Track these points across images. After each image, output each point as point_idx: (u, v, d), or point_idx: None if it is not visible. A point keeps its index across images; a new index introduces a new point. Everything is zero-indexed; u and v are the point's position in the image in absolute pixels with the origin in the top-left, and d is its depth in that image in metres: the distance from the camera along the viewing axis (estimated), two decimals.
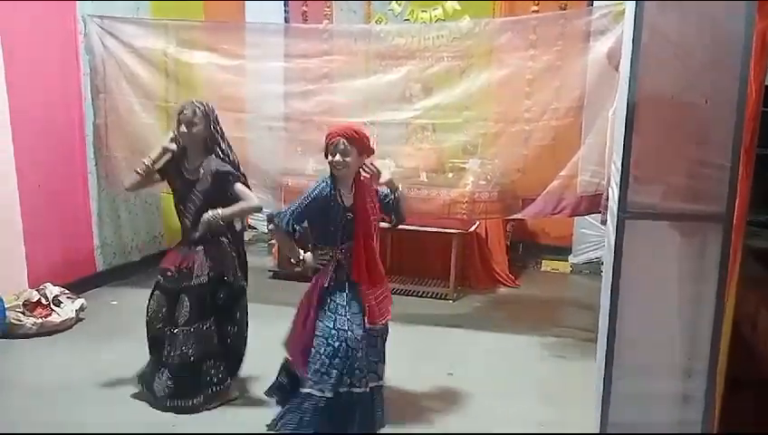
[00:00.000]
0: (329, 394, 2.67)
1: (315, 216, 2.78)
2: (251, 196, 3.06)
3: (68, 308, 4.09)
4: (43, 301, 4.01)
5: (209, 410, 3.06)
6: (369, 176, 2.75)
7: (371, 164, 2.76)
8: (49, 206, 4.42)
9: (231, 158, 3.09)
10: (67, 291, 4.23)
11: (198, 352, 3.01)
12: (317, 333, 2.73)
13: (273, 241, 5.69)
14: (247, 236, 5.77)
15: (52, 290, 4.12)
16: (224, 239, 3.10)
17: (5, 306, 3.82)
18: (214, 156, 3.03)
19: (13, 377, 3.38)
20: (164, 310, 3.08)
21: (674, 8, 2.22)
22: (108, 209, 5.03)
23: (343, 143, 2.67)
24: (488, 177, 4.27)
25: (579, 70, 3.95)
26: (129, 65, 4.62)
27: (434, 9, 5.32)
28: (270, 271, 5.36)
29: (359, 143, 2.70)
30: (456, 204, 4.31)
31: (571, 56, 3.95)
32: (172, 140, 3.07)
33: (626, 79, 2.30)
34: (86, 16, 4.63)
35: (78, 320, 4.13)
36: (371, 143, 2.80)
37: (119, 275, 5.07)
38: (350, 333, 2.70)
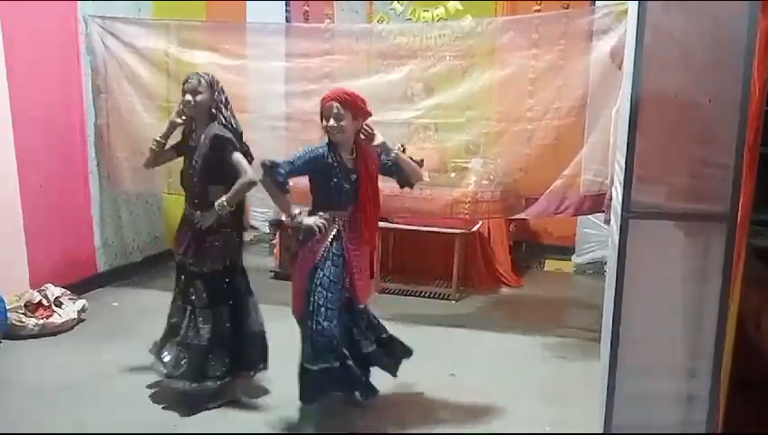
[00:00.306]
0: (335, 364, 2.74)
1: (318, 179, 2.77)
2: (247, 168, 2.95)
3: (69, 309, 4.09)
4: (45, 302, 4.01)
5: (209, 409, 3.06)
6: (364, 138, 2.75)
7: (366, 125, 2.77)
8: (50, 206, 4.42)
9: (234, 126, 3.06)
10: (68, 292, 4.23)
11: (211, 335, 3.02)
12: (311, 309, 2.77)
13: (274, 241, 5.69)
14: (249, 236, 5.80)
15: (54, 291, 4.12)
16: (228, 229, 3.07)
17: (7, 307, 3.82)
18: (216, 123, 3.00)
19: (14, 377, 3.38)
20: (182, 287, 3.12)
21: (677, 7, 2.21)
22: (109, 210, 5.03)
23: (336, 107, 2.67)
24: (491, 176, 4.26)
25: (581, 69, 3.93)
26: (131, 65, 4.62)
27: (436, 8, 5.30)
28: (271, 271, 5.36)
29: (352, 106, 2.70)
30: (458, 204, 4.29)
31: (573, 55, 3.94)
32: (177, 113, 3.09)
33: (629, 78, 2.29)
34: (87, 17, 4.63)
35: (79, 321, 4.13)
36: (367, 106, 2.78)
37: (120, 275, 5.07)
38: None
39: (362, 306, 2.93)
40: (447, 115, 4.28)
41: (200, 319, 3.03)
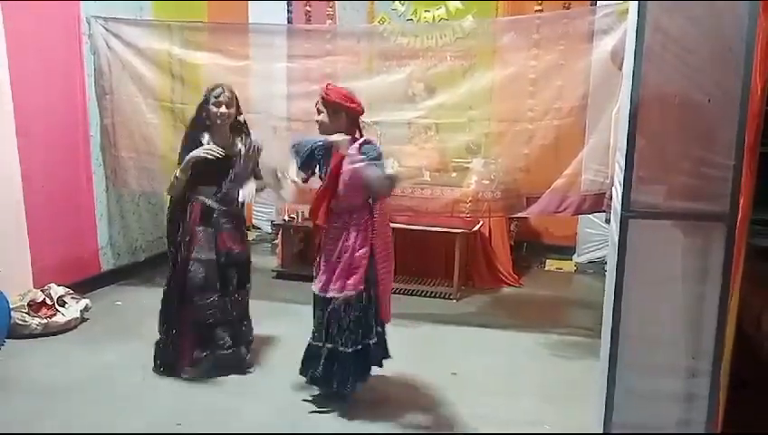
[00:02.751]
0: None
1: (320, 168, 3.02)
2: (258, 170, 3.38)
3: (73, 308, 4.11)
4: (48, 301, 4.03)
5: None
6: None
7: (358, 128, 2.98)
8: (53, 206, 4.44)
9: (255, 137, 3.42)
10: (72, 291, 4.25)
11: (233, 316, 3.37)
12: None
13: (276, 241, 5.70)
14: (251, 235, 5.82)
15: (57, 290, 4.13)
16: (239, 219, 3.43)
17: (11, 307, 3.84)
18: (245, 134, 3.34)
19: (17, 377, 3.40)
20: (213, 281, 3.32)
21: (677, 7, 2.21)
22: (112, 209, 5.05)
23: (318, 102, 2.90)
24: (492, 176, 4.27)
25: (582, 69, 3.94)
26: (135, 66, 4.65)
27: (437, 9, 5.31)
28: (273, 271, 5.37)
29: (331, 103, 2.86)
30: (459, 203, 4.31)
31: (574, 55, 3.95)
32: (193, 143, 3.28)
33: (629, 78, 2.29)
34: (90, 18, 4.65)
35: (83, 320, 4.15)
36: (351, 102, 2.91)
37: (123, 275, 5.09)
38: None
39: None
40: (449, 115, 4.29)
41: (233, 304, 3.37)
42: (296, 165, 3.02)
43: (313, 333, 3.04)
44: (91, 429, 2.87)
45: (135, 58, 4.64)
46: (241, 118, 3.34)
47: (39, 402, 3.11)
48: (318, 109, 2.92)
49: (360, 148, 2.90)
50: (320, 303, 3.01)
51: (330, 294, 2.95)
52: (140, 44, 4.63)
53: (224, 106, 3.20)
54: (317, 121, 2.94)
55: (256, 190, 3.32)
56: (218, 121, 3.21)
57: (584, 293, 5.13)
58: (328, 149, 2.95)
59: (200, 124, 3.25)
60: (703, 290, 2.32)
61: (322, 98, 2.89)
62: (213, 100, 3.20)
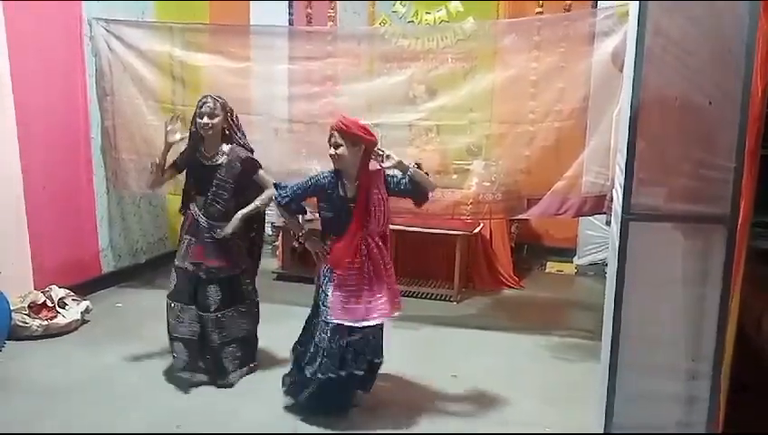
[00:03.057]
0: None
1: (323, 205, 2.90)
2: (270, 183, 3.21)
3: (73, 310, 4.11)
4: (49, 303, 4.03)
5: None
6: (379, 159, 2.82)
7: (378, 148, 2.83)
8: (54, 208, 4.44)
9: (248, 145, 3.33)
10: (72, 293, 4.25)
11: (224, 336, 3.28)
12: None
13: (277, 244, 5.70)
14: None
15: (58, 292, 4.14)
16: (241, 236, 3.31)
17: (11, 308, 3.84)
18: (235, 144, 3.24)
19: (18, 378, 3.40)
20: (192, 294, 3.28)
21: (677, 9, 2.21)
22: (113, 211, 5.05)
23: (335, 136, 2.78)
24: (493, 178, 4.26)
25: (583, 71, 3.95)
26: (136, 68, 4.65)
27: (438, 11, 5.32)
28: (274, 272, 5.37)
29: (349, 135, 2.76)
30: (460, 205, 4.31)
31: (575, 57, 3.95)
32: (171, 132, 3.26)
33: (629, 80, 2.29)
34: (92, 19, 4.66)
35: (83, 322, 4.15)
36: (369, 134, 2.83)
37: (124, 277, 5.09)
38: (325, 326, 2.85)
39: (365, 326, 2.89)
40: (449, 117, 4.29)
41: (215, 323, 3.27)
42: (292, 208, 3.00)
43: (321, 365, 2.86)
44: (91, 429, 2.87)
45: (136, 60, 4.64)
46: (234, 131, 3.26)
47: (39, 403, 3.11)
48: (336, 143, 2.77)
49: (384, 176, 2.89)
50: (338, 333, 2.85)
51: (372, 322, 2.88)
52: (142, 46, 4.63)
53: (206, 117, 3.15)
54: (334, 156, 2.80)
55: (259, 207, 3.25)
56: (201, 132, 3.18)
57: (585, 295, 5.12)
58: (336, 183, 2.84)
59: (192, 135, 3.24)
60: (703, 292, 2.32)
61: (340, 131, 2.76)
62: (197, 110, 3.19)
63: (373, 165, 2.85)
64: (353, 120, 2.84)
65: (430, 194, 3.04)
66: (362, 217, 2.81)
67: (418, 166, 2.90)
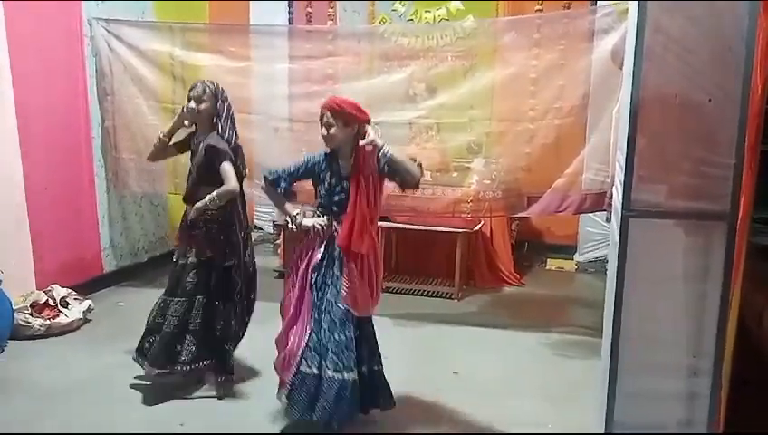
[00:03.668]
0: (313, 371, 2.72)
1: (317, 185, 2.86)
2: (230, 178, 3.05)
3: (75, 309, 4.12)
4: (51, 302, 4.04)
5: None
6: (361, 139, 2.73)
7: (363, 127, 2.75)
8: (56, 208, 4.45)
9: (227, 135, 3.13)
10: (74, 292, 4.26)
11: (178, 323, 3.15)
12: (314, 316, 2.78)
13: (278, 242, 5.71)
14: (253, 236, 5.81)
15: (60, 291, 4.15)
16: (213, 225, 3.16)
17: (13, 308, 3.85)
18: (215, 132, 3.13)
19: (20, 378, 3.40)
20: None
21: (677, 7, 2.22)
22: (115, 211, 5.06)
23: (327, 115, 2.73)
24: (493, 175, 4.28)
25: (583, 68, 3.96)
26: (136, 68, 4.66)
27: (437, 9, 5.32)
28: (275, 271, 5.38)
29: (342, 115, 2.71)
30: (460, 203, 4.32)
31: (574, 55, 3.96)
32: (182, 116, 3.23)
33: (629, 77, 2.30)
34: (92, 19, 4.67)
35: (85, 321, 4.16)
36: (362, 113, 2.76)
37: (126, 276, 5.10)
38: (332, 316, 2.73)
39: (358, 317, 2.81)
40: (450, 115, 4.30)
41: (175, 307, 3.17)
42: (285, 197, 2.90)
43: (336, 364, 2.69)
44: (93, 429, 2.88)
45: (136, 60, 4.65)
46: (220, 120, 3.13)
47: (41, 403, 3.12)
48: (328, 123, 2.71)
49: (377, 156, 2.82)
50: (348, 322, 2.74)
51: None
52: (142, 46, 4.64)
53: (192, 101, 3.12)
54: (326, 136, 2.73)
55: (213, 200, 3.06)
56: (188, 116, 3.18)
57: (585, 292, 5.13)
58: (329, 163, 2.80)
59: (183, 118, 3.23)
60: (704, 289, 2.33)
61: (332, 110, 2.70)
62: (188, 93, 3.17)
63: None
64: (344, 98, 2.80)
65: (419, 181, 2.89)
66: (358, 194, 2.75)
67: (418, 165, 2.88)
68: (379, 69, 4.42)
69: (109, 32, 4.67)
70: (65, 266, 4.50)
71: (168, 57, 4.62)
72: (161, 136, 3.30)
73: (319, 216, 2.83)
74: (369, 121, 2.80)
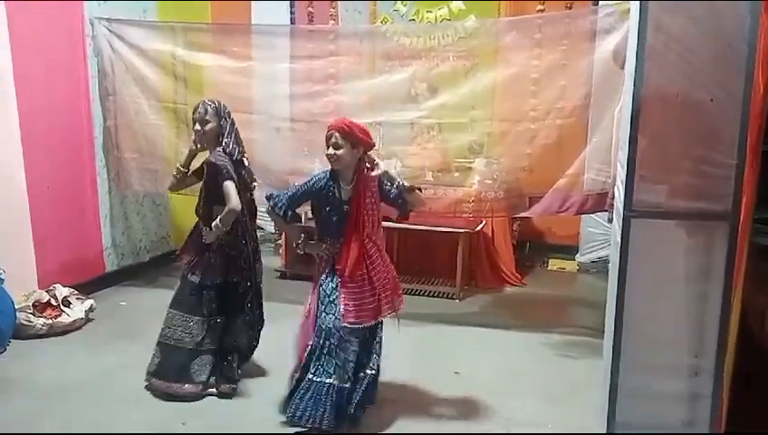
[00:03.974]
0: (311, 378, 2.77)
1: (317, 207, 2.87)
2: (231, 197, 3.01)
3: (77, 309, 4.12)
4: (53, 302, 4.04)
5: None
6: (369, 167, 2.79)
7: (369, 156, 2.80)
8: (58, 207, 4.45)
9: (229, 149, 3.11)
10: (76, 292, 4.27)
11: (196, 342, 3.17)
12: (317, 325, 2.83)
13: (280, 242, 5.72)
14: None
15: (62, 291, 4.15)
16: (225, 246, 3.17)
17: (16, 307, 3.86)
18: (220, 149, 3.12)
19: (22, 377, 3.41)
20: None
21: (678, 6, 2.22)
22: (117, 210, 5.07)
23: (335, 136, 2.73)
24: (494, 176, 4.27)
25: (584, 69, 3.95)
26: (138, 67, 4.67)
27: (439, 9, 5.32)
28: (277, 271, 5.38)
29: (351, 137, 2.73)
30: (462, 203, 4.32)
31: (576, 55, 3.96)
32: (194, 141, 3.22)
33: (631, 77, 2.30)
34: (94, 19, 4.67)
35: (87, 321, 4.17)
36: (369, 138, 2.80)
37: (128, 275, 5.11)
38: (331, 327, 2.76)
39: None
40: (451, 115, 4.30)
41: (194, 326, 3.18)
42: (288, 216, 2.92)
43: (341, 376, 2.77)
44: (95, 429, 2.88)
45: (138, 59, 4.66)
46: (224, 137, 3.12)
47: (42, 402, 3.12)
48: (336, 144, 2.71)
49: (378, 181, 2.86)
50: (353, 335, 2.79)
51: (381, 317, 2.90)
52: (144, 46, 4.65)
53: (197, 124, 3.13)
54: (332, 156, 2.73)
55: (221, 225, 3.03)
56: (197, 139, 3.18)
57: (587, 292, 5.12)
58: (332, 185, 2.80)
59: (193, 141, 3.23)
60: (705, 289, 2.33)
61: (342, 132, 2.71)
62: (192, 117, 3.18)
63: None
64: (354, 122, 2.81)
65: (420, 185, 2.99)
66: (357, 220, 2.79)
67: (418, 189, 2.90)
68: (381, 69, 4.41)
69: (110, 31, 4.68)
70: (67, 266, 4.51)
71: (169, 57, 4.63)
72: (179, 167, 3.30)
73: (320, 239, 2.89)
74: (373, 147, 2.84)
